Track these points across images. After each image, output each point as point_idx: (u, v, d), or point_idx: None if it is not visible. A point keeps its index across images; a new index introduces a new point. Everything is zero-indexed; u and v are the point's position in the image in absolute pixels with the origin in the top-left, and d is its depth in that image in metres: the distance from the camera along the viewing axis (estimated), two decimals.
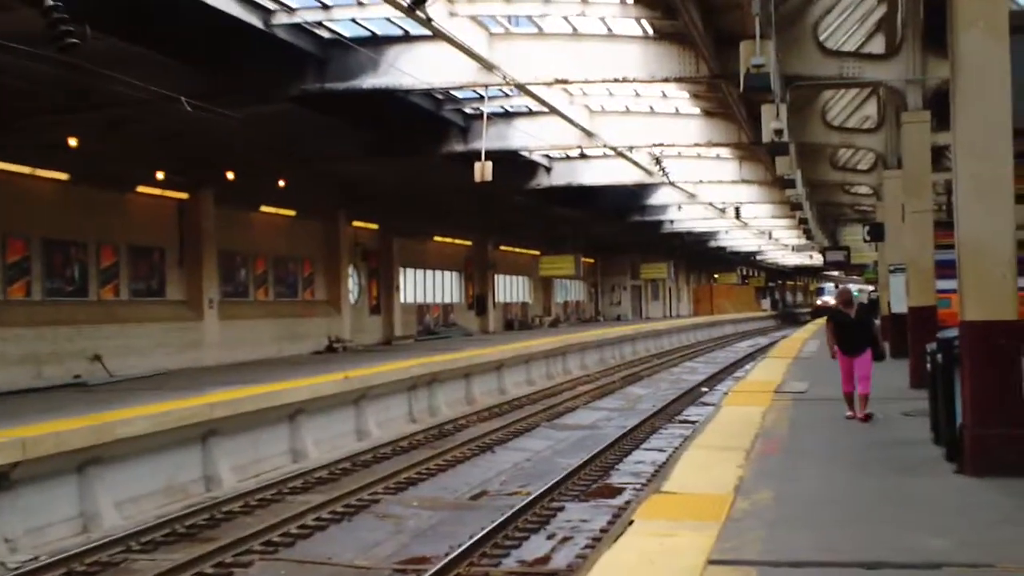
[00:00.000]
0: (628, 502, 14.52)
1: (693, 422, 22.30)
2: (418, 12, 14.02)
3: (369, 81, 19.61)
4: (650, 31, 18.90)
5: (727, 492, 8.77)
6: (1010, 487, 8.81)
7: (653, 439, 20.74)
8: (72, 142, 21.14)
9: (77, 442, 13.75)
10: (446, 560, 11.36)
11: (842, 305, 14.15)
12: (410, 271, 42.53)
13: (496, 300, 51.30)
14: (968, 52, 9.42)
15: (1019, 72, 9.30)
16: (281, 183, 28.81)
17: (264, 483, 16.36)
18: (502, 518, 13.16)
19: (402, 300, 41.06)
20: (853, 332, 13.70)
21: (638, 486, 15.59)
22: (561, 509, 14.26)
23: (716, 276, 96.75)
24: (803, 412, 14.75)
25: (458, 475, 17.41)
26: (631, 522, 7.77)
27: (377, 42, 19.81)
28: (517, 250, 53.63)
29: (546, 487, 15.15)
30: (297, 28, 18.68)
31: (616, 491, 15.66)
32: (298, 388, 19.35)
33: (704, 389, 30.47)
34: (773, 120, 15.40)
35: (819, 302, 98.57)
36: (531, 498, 14.42)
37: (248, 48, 18.44)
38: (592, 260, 65.34)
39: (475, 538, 12.20)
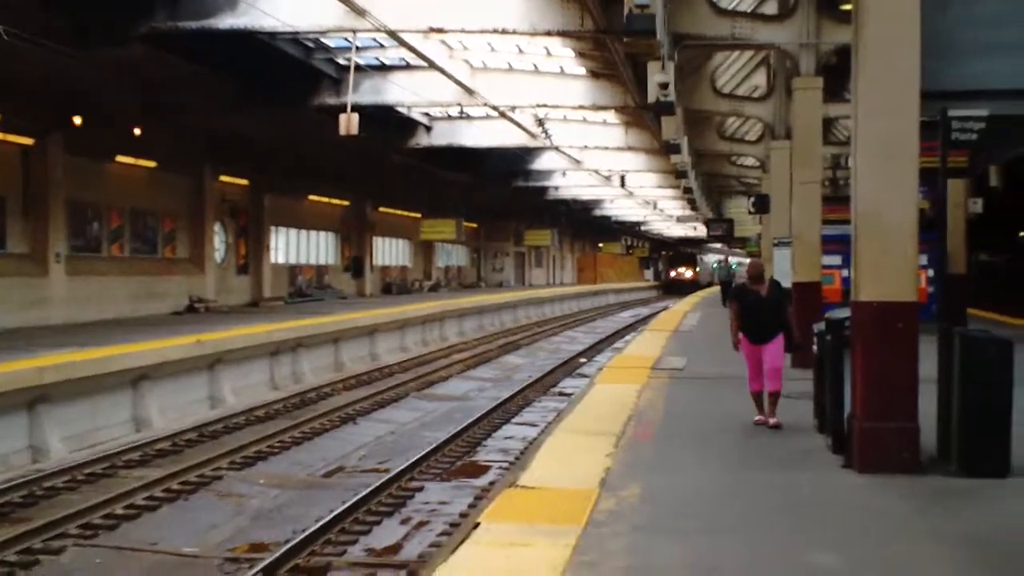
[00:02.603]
0: (492, 483, 13.68)
1: (569, 394, 21.74)
2: None
3: (227, 21, 18.06)
4: None
5: (591, 487, 7.75)
6: (903, 487, 7.98)
7: (526, 412, 19.97)
8: None
9: None
10: (285, 548, 10.32)
11: (750, 281, 11.73)
12: (282, 230, 40.94)
13: (374, 263, 49.95)
14: None
15: (931, 25, 8.32)
16: (137, 132, 26.91)
17: (98, 455, 15.14)
18: (354, 499, 12.23)
19: (273, 260, 39.46)
20: (764, 315, 11.34)
21: (505, 464, 14.83)
22: (420, 489, 13.36)
23: (601, 245, 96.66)
24: (680, 392, 13.89)
25: (314, 449, 16.40)
26: (477, 524, 6.64)
27: None
28: (398, 212, 52.26)
29: (406, 464, 14.25)
30: None
31: (481, 469, 14.86)
32: (142, 352, 18.04)
33: (582, 360, 29.82)
34: (658, 73, 14.34)
35: (673, 274, 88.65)
36: (388, 476, 13.52)
37: None
38: (475, 225, 64.40)
39: (321, 522, 11.23)
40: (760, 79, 29.12)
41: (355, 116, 20.24)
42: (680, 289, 78.20)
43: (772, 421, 11.11)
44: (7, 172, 24.94)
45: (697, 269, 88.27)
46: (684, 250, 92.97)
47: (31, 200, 25.53)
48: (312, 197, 42.47)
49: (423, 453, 14.92)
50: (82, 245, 28.10)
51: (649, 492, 7.81)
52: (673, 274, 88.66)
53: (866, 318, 8.48)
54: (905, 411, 8.33)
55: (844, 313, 9.32)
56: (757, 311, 11.35)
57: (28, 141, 25.14)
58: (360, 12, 17.48)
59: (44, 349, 17.83)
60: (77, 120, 24.47)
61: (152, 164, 30.19)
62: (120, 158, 28.83)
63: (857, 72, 8.60)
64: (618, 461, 8.90)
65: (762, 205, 26.70)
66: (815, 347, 10.38)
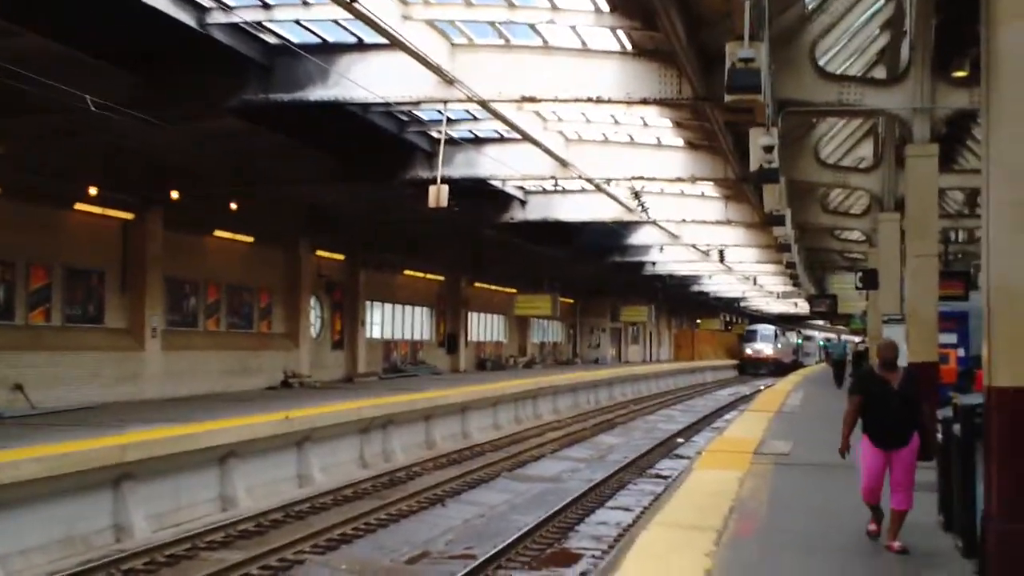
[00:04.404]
0: (583, 573, 12.89)
1: (666, 477, 21.06)
2: (355, 5, 12.25)
3: (317, 93, 17.82)
4: (628, 45, 17.24)
5: None
6: None
7: (620, 496, 19.17)
8: None
9: None
10: None
11: (881, 367, 9.32)
12: (377, 305, 40.79)
13: (469, 338, 49.61)
14: (1008, 50, 7.48)
15: None
16: (233, 206, 27.02)
17: (181, 535, 14.69)
18: None
19: (368, 335, 39.27)
20: (894, 411, 8.99)
21: (597, 553, 14.03)
22: None
23: (699, 321, 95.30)
24: (785, 480, 12.97)
25: (400, 532, 15.79)
26: None
27: (327, 50, 17.99)
28: (492, 287, 51.99)
29: (494, 551, 13.56)
30: (237, 30, 16.88)
31: (573, 558, 14.08)
32: (230, 428, 17.65)
33: (680, 440, 28.91)
34: (763, 136, 13.61)
35: (749, 351, 74.96)
36: (475, 564, 12.83)
37: (183, 51, 16.69)
38: (571, 300, 63.81)
39: None
40: (865, 151, 28.34)
41: (444, 188, 19.90)
42: (757, 370, 71.99)
43: (896, 545, 8.90)
44: (106, 247, 25.15)
45: (778, 346, 76.25)
46: (761, 325, 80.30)
47: (129, 274, 25.67)
48: (408, 272, 42.44)
49: (512, 539, 14.24)
50: (178, 320, 28.16)
51: None
52: (749, 351, 75.56)
53: (1004, 405, 7.46)
54: None
55: (975, 399, 8.34)
56: (886, 406, 9.01)
57: (128, 216, 25.35)
58: (449, 81, 17.14)
59: (133, 425, 17.58)
60: (175, 195, 24.61)
61: (249, 239, 30.31)
62: (218, 233, 29.00)
63: (988, 130, 7.78)
64: (719, 561, 8.07)
65: (870, 281, 25.66)
66: (939, 435, 9.39)
